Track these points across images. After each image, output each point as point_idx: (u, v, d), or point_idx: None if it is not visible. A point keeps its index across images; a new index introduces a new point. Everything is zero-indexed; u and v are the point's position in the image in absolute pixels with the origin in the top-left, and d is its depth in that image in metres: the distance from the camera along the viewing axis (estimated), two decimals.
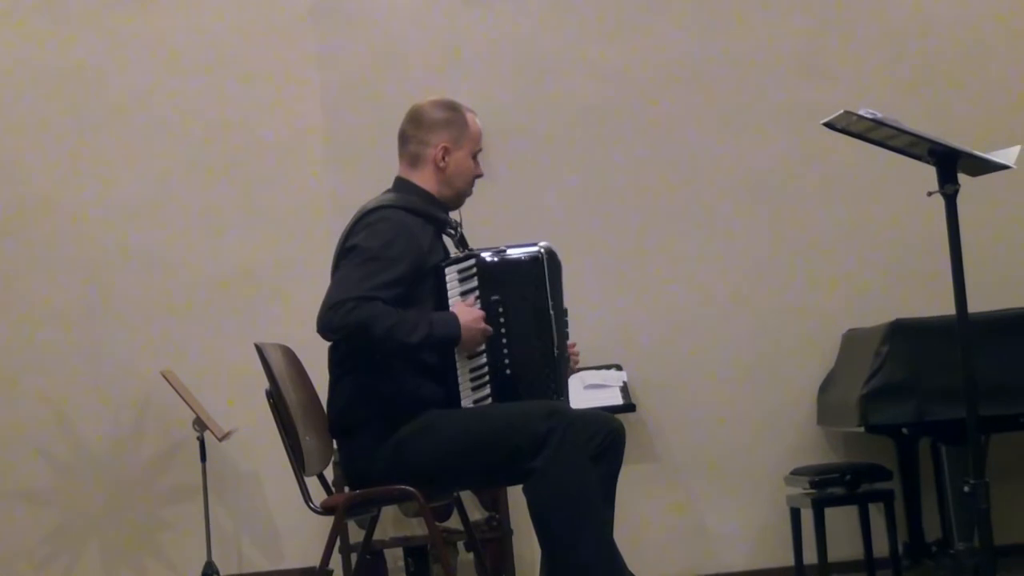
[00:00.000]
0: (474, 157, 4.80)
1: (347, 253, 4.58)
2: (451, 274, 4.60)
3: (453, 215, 4.82)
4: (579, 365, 4.97)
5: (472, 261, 4.61)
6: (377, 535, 5.92)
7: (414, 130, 4.77)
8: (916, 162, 4.58)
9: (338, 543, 5.83)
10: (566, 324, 4.82)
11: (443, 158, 4.72)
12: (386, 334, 4.38)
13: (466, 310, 4.54)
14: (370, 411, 4.54)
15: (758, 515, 7.06)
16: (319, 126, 7.33)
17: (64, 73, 7.33)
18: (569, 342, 4.83)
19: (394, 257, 4.48)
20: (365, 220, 4.60)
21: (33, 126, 7.33)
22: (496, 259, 4.65)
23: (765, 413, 7.12)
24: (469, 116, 4.80)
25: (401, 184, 4.77)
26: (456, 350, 4.56)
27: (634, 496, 6.64)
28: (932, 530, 6.58)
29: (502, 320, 4.59)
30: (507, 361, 4.60)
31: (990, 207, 6.94)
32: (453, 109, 4.80)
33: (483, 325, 4.55)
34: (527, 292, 4.63)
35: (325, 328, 4.43)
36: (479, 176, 4.84)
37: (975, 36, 7.38)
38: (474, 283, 4.60)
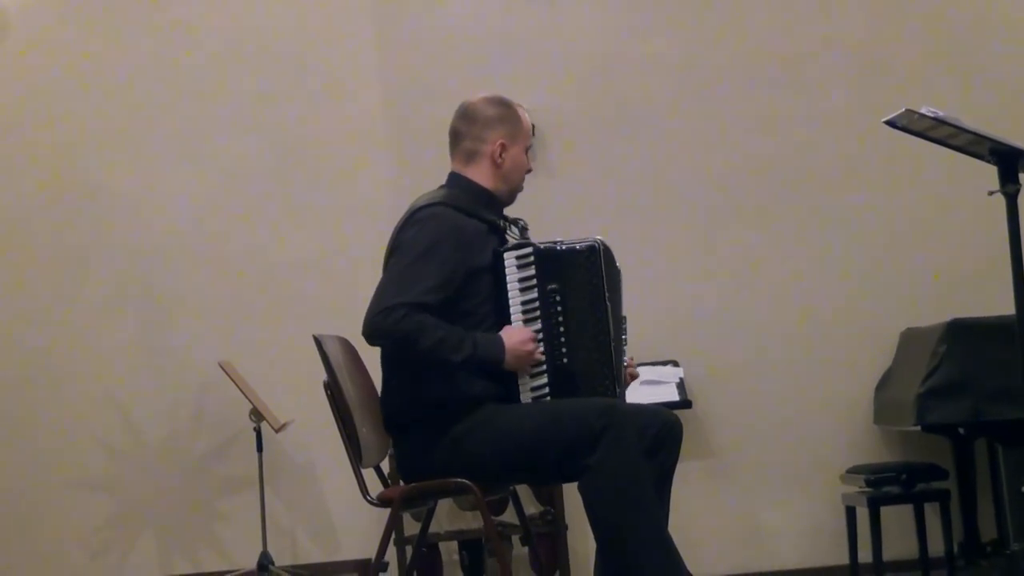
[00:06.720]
0: (525, 152, 4.81)
1: (396, 250, 4.59)
2: (509, 259, 4.57)
3: (517, 214, 4.82)
4: (636, 375, 4.96)
5: (529, 248, 4.58)
6: (432, 528, 5.93)
7: (468, 127, 4.76)
8: (977, 161, 4.56)
9: (393, 536, 5.84)
10: (624, 331, 4.83)
11: (500, 154, 4.72)
12: (431, 348, 4.39)
13: (514, 332, 4.52)
14: (425, 406, 4.53)
15: (813, 513, 7.04)
16: (378, 118, 7.36)
17: (122, 65, 7.39)
18: (626, 359, 4.84)
19: (443, 257, 4.47)
20: (415, 217, 4.60)
21: (92, 118, 7.39)
22: (553, 247, 4.62)
23: (822, 411, 7.10)
24: (520, 111, 4.81)
25: (456, 180, 4.77)
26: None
27: (690, 492, 6.65)
28: (988, 530, 6.53)
29: (559, 308, 4.56)
30: (564, 350, 4.56)
31: None
32: (506, 105, 4.79)
33: (530, 347, 4.50)
34: (584, 280, 4.59)
35: (373, 331, 4.43)
36: (529, 171, 4.84)
37: None
38: (532, 271, 4.56)
